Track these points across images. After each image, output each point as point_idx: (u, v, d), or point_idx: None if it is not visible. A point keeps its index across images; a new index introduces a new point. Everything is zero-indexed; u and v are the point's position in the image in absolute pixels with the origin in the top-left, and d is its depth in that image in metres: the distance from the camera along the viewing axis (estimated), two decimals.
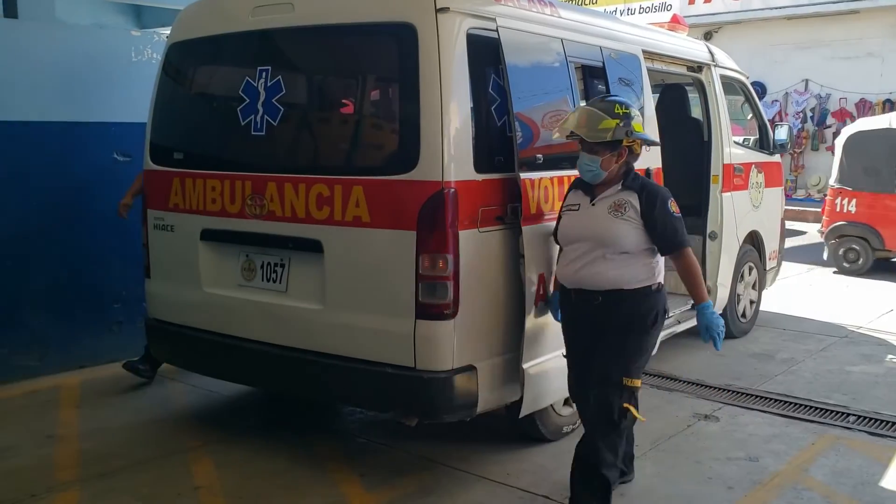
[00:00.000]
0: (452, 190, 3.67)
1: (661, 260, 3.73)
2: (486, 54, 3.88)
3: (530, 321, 3.93)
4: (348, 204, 3.90)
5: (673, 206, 3.63)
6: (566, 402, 4.61)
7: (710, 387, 5.67)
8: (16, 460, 4.37)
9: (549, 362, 4.11)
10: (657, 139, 3.73)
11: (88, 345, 5.98)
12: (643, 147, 3.75)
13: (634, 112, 3.66)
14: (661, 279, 3.73)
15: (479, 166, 3.81)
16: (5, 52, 5.44)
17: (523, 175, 3.88)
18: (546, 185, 4.06)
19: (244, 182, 4.23)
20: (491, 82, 3.95)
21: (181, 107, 4.77)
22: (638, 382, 3.71)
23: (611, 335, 3.67)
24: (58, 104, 5.70)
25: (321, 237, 3.99)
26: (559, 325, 4.19)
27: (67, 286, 5.84)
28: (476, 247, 3.81)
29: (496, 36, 3.85)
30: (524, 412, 4.03)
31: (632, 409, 3.67)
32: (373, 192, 3.83)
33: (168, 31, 5.03)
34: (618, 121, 3.57)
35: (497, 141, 3.95)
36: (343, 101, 4.32)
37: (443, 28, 3.70)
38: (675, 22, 6.43)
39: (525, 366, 3.92)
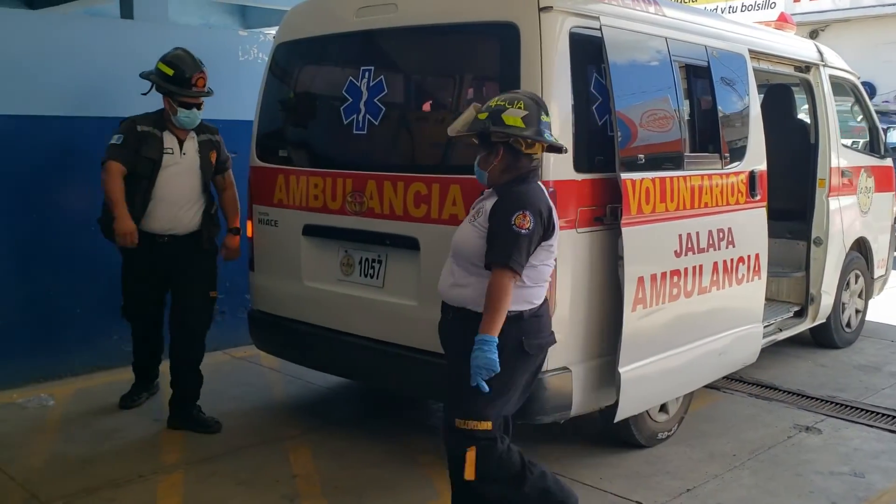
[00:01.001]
0: (551, 189, 3.65)
1: (538, 282, 3.18)
2: (588, 53, 3.85)
3: (628, 325, 3.87)
4: (445, 202, 3.93)
5: (517, 220, 3.03)
6: (662, 408, 4.54)
7: (812, 398, 5.47)
8: (124, 441, 4.58)
9: (646, 367, 4.04)
10: (552, 140, 3.15)
11: None
12: (554, 149, 3.27)
13: (518, 109, 3.09)
14: (532, 306, 3.16)
15: (579, 166, 3.78)
16: (122, 52, 5.71)
17: (624, 175, 3.83)
18: (647, 186, 3.99)
19: (345, 180, 4.31)
20: (593, 81, 3.92)
21: (286, 106, 4.91)
22: (483, 425, 3.05)
23: (456, 364, 3.16)
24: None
25: (418, 235, 4.04)
26: (657, 329, 4.14)
27: None
28: (574, 248, 3.78)
29: (599, 35, 3.82)
30: (619, 417, 3.98)
31: (468, 458, 3.04)
32: (470, 190, 3.84)
33: (273, 32, 5.19)
34: (485, 114, 3.12)
35: (598, 140, 3.92)
36: (443, 100, 4.35)
37: (545, 27, 3.69)
38: (783, 20, 6.23)
39: (622, 370, 3.87)
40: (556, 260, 3.48)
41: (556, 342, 3.36)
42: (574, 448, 4.49)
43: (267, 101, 4.88)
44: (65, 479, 4.07)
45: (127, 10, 6.77)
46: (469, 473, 3.07)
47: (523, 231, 3.02)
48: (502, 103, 3.12)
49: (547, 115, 3.19)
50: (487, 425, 3.07)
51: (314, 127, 4.78)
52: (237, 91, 6.17)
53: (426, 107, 4.49)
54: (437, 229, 3.95)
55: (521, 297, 3.13)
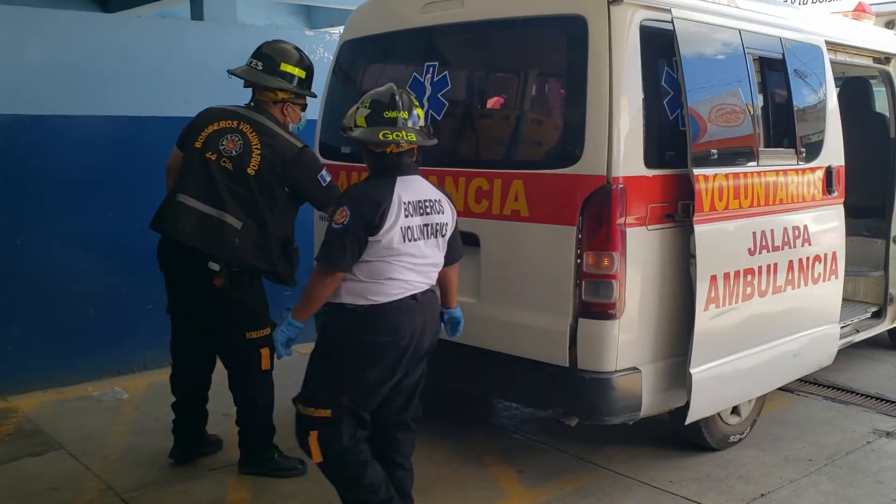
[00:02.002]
0: (621, 186, 3.58)
1: (376, 277, 3.10)
2: (659, 46, 3.76)
3: (700, 324, 3.76)
4: (507, 198, 3.89)
5: (336, 215, 3.06)
6: (734, 411, 4.42)
7: (891, 402, 5.26)
8: None
9: (718, 368, 3.93)
10: (362, 137, 3.13)
11: None
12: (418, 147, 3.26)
13: (363, 108, 3.17)
14: (367, 301, 3.09)
15: (650, 161, 3.70)
16: (192, 52, 5.82)
17: (696, 171, 3.73)
18: (721, 182, 3.89)
19: None
20: (664, 75, 3.83)
21: (350, 104, 4.91)
22: (321, 412, 3.14)
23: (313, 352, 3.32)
24: (236, 100, 6.01)
25: (478, 231, 3.99)
26: (730, 329, 4.03)
27: None
28: (644, 245, 3.70)
29: (671, 28, 3.72)
30: (690, 419, 3.88)
31: (311, 442, 3.17)
32: (533, 186, 3.79)
33: (339, 31, 5.21)
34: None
35: (669, 135, 3.83)
36: (509, 94, 4.32)
37: (615, 20, 3.61)
38: (861, 10, 5.99)
39: (693, 371, 3.77)
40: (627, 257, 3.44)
41: (407, 347, 3.16)
42: (643, 449, 4.41)
43: (331, 99, 4.90)
44: (139, 471, 4.17)
45: (197, 12, 6.90)
46: (315, 457, 3.20)
47: (336, 226, 3.06)
48: (358, 104, 3.24)
49: (403, 111, 3.13)
50: (326, 412, 3.14)
51: None
52: None
53: (490, 103, 4.45)
54: (498, 225, 3.91)
55: (353, 290, 3.12)
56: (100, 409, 5.06)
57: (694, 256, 3.76)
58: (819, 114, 4.71)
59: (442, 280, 3.40)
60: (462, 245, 3.45)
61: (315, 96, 4.25)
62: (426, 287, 3.23)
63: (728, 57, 4.11)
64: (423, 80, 4.28)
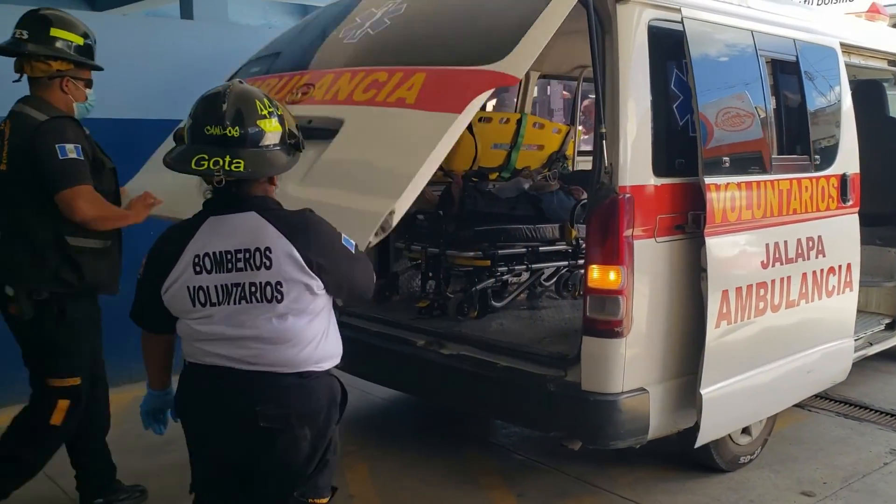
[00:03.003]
0: (628, 195, 3.37)
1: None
2: (668, 47, 3.56)
3: (711, 342, 3.55)
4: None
5: None
6: (744, 430, 4.21)
7: None
8: (177, 454, 4.37)
9: (729, 387, 3.71)
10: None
11: None
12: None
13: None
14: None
15: (658, 169, 3.49)
16: (183, 53, 5.61)
17: (708, 179, 3.52)
18: (733, 192, 3.68)
19: None
20: (673, 78, 3.63)
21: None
22: None
23: None
24: None
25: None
26: (742, 346, 3.83)
27: None
28: (652, 258, 3.49)
29: (680, 28, 3.51)
30: (701, 442, 3.67)
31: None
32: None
33: None
34: None
35: (678, 142, 3.63)
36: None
37: (622, 19, 3.41)
38: (875, 11, 5.80)
39: (703, 391, 3.56)
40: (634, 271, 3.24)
41: (189, 420, 2.49)
42: (649, 471, 4.20)
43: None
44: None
45: (187, 11, 6.69)
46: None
47: (138, 275, 2.50)
48: None
49: (231, 126, 2.25)
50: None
51: None
52: None
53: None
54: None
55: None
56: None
57: (705, 270, 3.55)
58: (834, 119, 4.51)
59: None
60: (366, 283, 2.52)
61: (101, 69, 3.57)
62: (243, 366, 2.32)
63: (740, 59, 3.90)
64: None
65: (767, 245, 3.90)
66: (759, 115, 3.91)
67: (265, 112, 2.31)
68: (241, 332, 2.31)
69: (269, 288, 2.27)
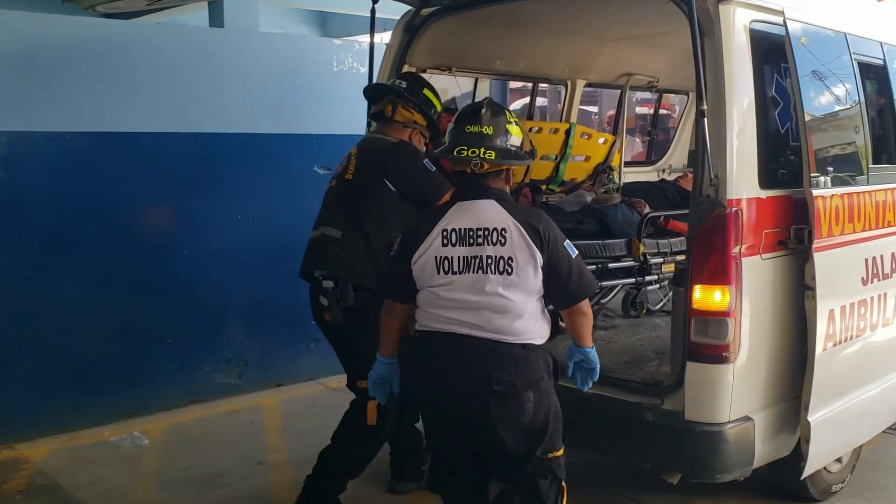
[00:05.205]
0: (735, 209, 3.13)
1: (421, 305, 2.86)
2: (769, 51, 3.33)
3: (819, 365, 3.31)
4: None
5: None
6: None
7: None
8: (231, 489, 4.15)
9: (835, 412, 3.48)
10: (442, 155, 2.92)
11: (285, 362, 5.82)
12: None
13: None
14: (419, 327, 2.85)
15: (764, 181, 3.25)
16: (213, 62, 5.35)
17: (816, 192, 3.28)
18: (837, 204, 3.44)
19: None
20: (774, 83, 3.39)
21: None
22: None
23: None
24: (262, 116, 5.57)
25: None
26: (846, 368, 3.60)
27: (267, 302, 5.67)
28: (758, 276, 3.25)
29: (782, 30, 3.28)
30: (808, 471, 3.43)
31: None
32: None
33: (365, 40, 4.74)
34: None
35: (781, 151, 3.39)
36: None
37: (724, 21, 3.18)
38: None
39: (811, 418, 3.31)
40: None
41: (427, 385, 2.83)
42: (731, 499, 3.93)
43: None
44: None
45: (216, 20, 6.42)
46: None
47: (391, 252, 2.97)
48: None
49: (486, 126, 2.78)
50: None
51: None
52: (332, 104, 5.78)
53: None
54: None
55: (416, 316, 2.88)
56: (119, 458, 4.55)
57: (812, 289, 3.30)
58: None
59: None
60: (583, 285, 2.81)
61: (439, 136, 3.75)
62: (478, 332, 2.70)
63: (837, 63, 3.67)
64: None
65: (866, 260, 3.68)
66: (857, 122, 3.69)
67: (512, 121, 2.87)
68: (477, 298, 2.71)
69: (501, 261, 2.71)
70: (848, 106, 3.67)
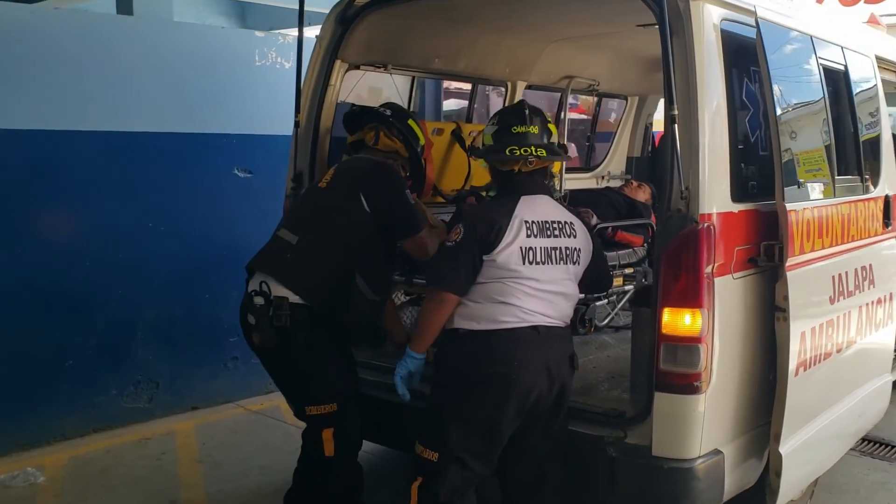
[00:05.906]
0: (708, 225, 2.86)
1: (483, 299, 2.89)
2: (739, 52, 3.08)
3: (791, 392, 3.06)
4: None
5: (451, 234, 2.99)
6: None
7: None
8: None
9: (802, 441, 3.25)
10: (484, 155, 3.07)
11: (201, 384, 5.34)
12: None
13: (491, 125, 3.09)
14: (472, 326, 2.87)
15: (736, 194, 2.99)
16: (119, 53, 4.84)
17: (789, 205, 3.03)
18: (808, 218, 3.22)
19: None
20: (744, 88, 3.14)
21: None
22: (428, 454, 2.89)
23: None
24: (175, 113, 5.08)
25: None
26: (814, 394, 3.39)
27: (180, 318, 5.19)
28: (730, 297, 2.98)
29: (753, 31, 3.02)
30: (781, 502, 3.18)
31: (412, 491, 2.91)
32: None
33: (285, 33, 4.33)
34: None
35: (752, 162, 3.15)
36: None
37: (694, 18, 2.90)
38: (873, 22, 5.53)
39: (783, 449, 3.06)
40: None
41: (518, 383, 2.81)
42: None
43: None
44: None
45: (125, 7, 5.87)
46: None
47: (448, 243, 2.93)
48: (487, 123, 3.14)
49: (532, 126, 2.97)
50: (433, 456, 2.87)
51: None
52: (254, 101, 5.33)
53: None
54: None
55: (466, 314, 2.91)
56: (8, 500, 4.00)
57: (784, 310, 3.05)
58: (877, 136, 4.14)
59: None
60: (609, 277, 3.25)
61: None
62: (553, 322, 2.92)
63: (804, 68, 3.47)
64: None
65: (833, 277, 3.48)
66: (825, 133, 3.49)
67: (550, 119, 3.07)
68: (555, 287, 2.92)
69: (574, 253, 2.98)
70: (816, 112, 3.47)
